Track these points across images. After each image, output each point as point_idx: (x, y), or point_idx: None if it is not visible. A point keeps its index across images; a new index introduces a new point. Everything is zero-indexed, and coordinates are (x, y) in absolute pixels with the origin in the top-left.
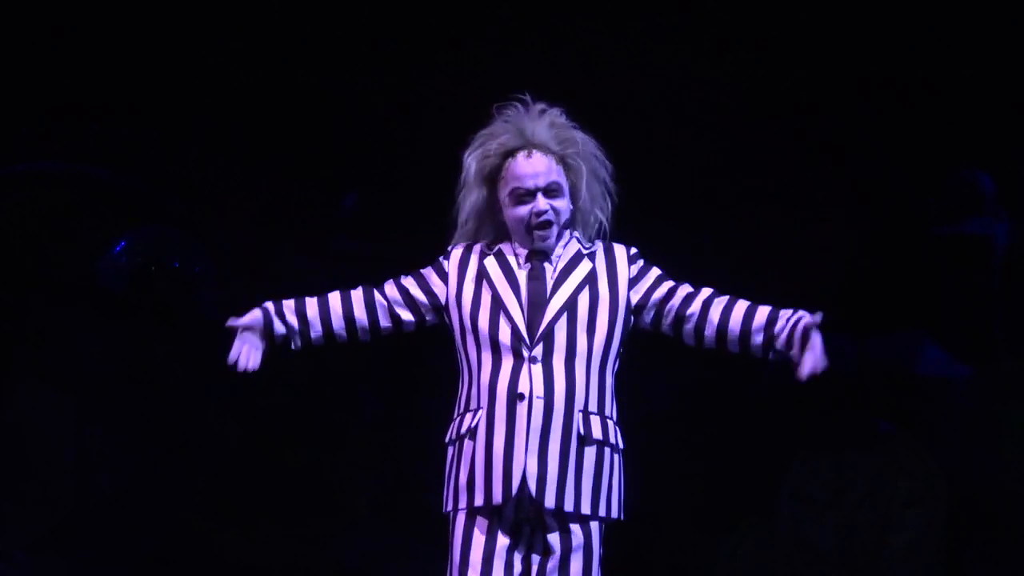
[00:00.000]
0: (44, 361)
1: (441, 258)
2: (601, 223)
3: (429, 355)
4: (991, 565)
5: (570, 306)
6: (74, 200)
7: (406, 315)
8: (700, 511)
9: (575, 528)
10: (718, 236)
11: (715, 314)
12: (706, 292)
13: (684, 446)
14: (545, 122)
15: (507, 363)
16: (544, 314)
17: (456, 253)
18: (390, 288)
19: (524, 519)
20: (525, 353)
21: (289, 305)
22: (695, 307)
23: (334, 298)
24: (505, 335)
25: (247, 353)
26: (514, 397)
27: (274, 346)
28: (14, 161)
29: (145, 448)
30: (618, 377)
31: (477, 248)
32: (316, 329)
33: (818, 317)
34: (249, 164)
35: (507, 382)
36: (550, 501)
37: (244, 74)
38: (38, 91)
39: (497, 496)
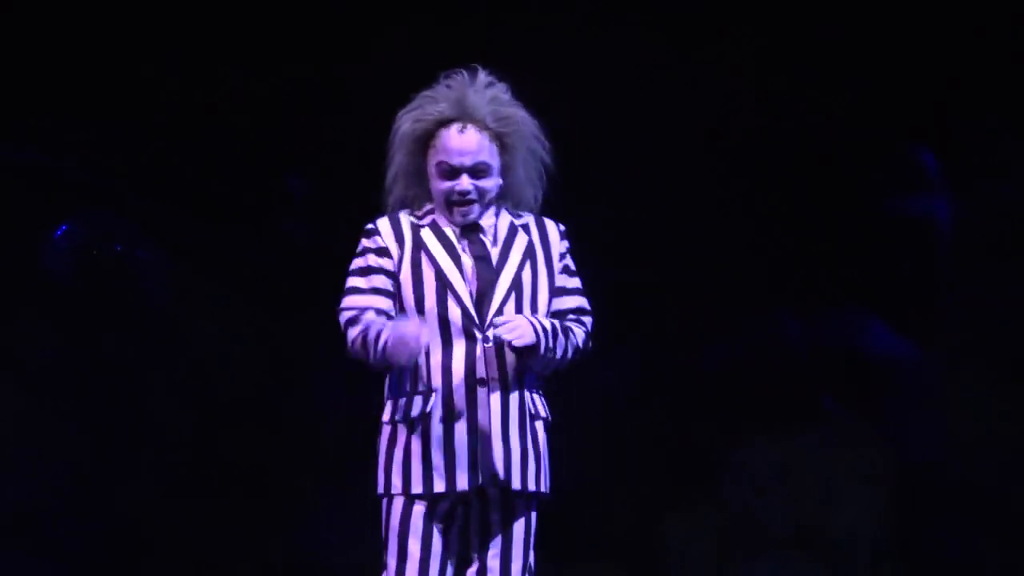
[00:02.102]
0: None
1: (370, 237)
2: (534, 201)
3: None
4: (936, 540)
5: (517, 286)
6: (14, 184)
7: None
8: (645, 488)
9: (519, 505)
10: (658, 215)
11: None
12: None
13: (628, 423)
14: (487, 96)
15: (459, 345)
16: (493, 296)
17: (384, 225)
18: (384, 302)
19: (462, 502)
20: (477, 335)
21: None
22: None
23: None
24: (455, 316)
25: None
26: (474, 382)
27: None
28: None
29: (93, 434)
30: None
31: (406, 219)
32: None
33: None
34: (192, 147)
35: (463, 366)
36: (517, 483)
37: (186, 57)
38: None
39: (463, 483)
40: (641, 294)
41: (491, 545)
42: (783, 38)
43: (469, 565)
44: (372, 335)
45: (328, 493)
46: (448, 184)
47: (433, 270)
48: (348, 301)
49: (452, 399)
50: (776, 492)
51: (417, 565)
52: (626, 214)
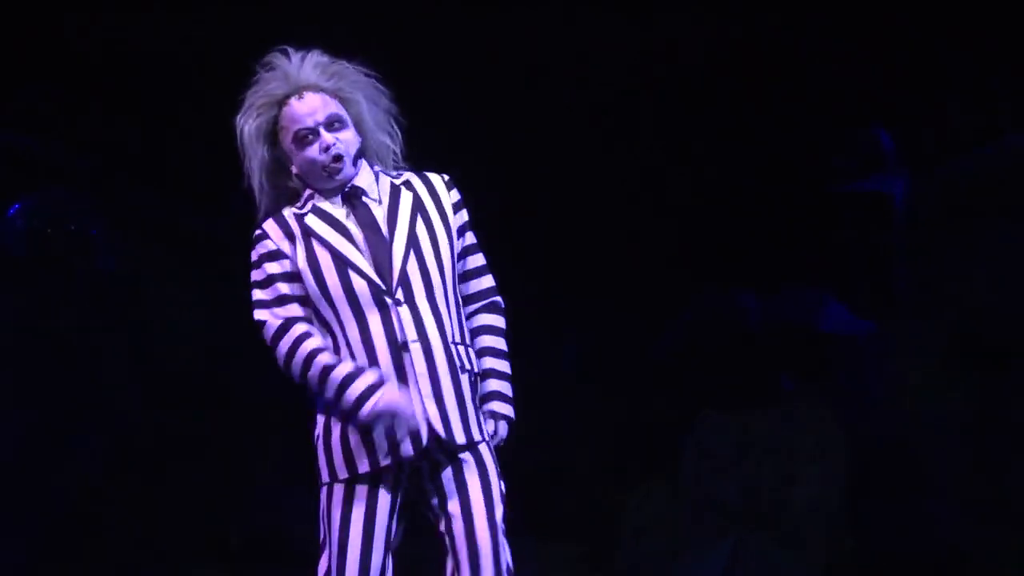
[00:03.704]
0: None
1: (260, 243)
2: (394, 151)
3: None
4: (892, 519)
5: (413, 242)
6: None
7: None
8: (605, 468)
9: (464, 456)
10: (616, 197)
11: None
12: (481, 312)
13: (589, 404)
14: (310, 63)
15: (373, 315)
16: (392, 257)
17: (271, 227)
18: (298, 309)
19: (409, 469)
20: (388, 300)
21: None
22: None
23: (325, 356)
24: (361, 288)
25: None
26: (397, 348)
27: None
28: None
29: (46, 411)
30: (523, 334)
31: (289, 213)
32: None
33: (503, 432)
34: (146, 123)
35: (383, 334)
36: (460, 437)
37: (141, 33)
38: None
39: (408, 450)
40: (597, 275)
41: (448, 496)
42: (740, 19)
43: (437, 527)
44: (339, 377)
45: (285, 469)
46: (313, 149)
47: (328, 252)
48: (261, 315)
49: (379, 369)
50: (734, 471)
51: (360, 546)
52: (583, 196)
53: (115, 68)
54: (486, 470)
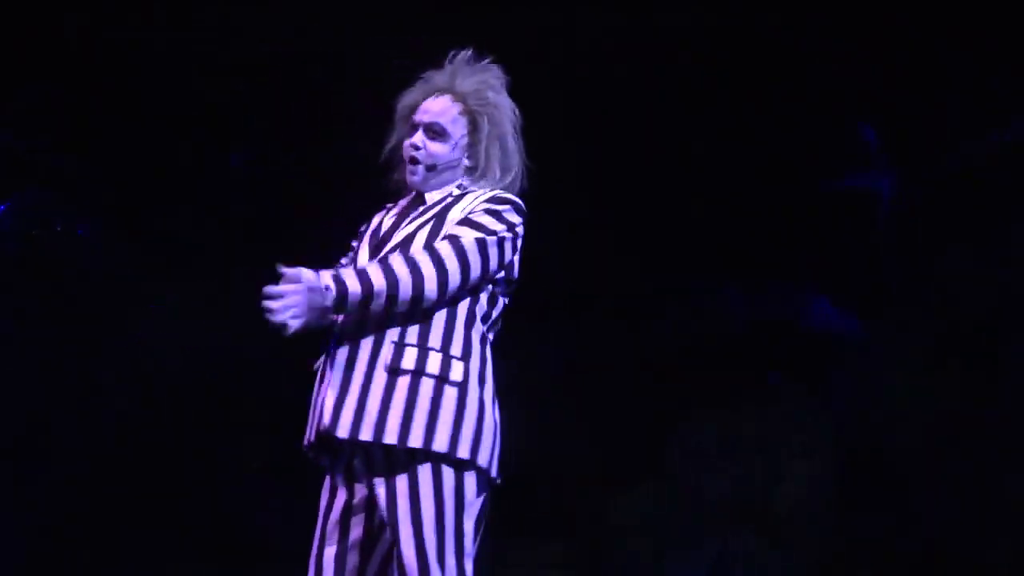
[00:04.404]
0: None
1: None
2: (501, 182)
3: None
4: (880, 514)
5: (408, 239)
6: None
7: None
8: (594, 465)
9: (400, 465)
10: (602, 193)
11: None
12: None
13: (577, 401)
14: (477, 77)
15: None
16: (385, 248)
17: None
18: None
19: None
20: None
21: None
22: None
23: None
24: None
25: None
26: (331, 333)
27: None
28: None
29: (33, 411)
30: (510, 334)
31: (385, 207)
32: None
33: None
34: (133, 124)
35: (339, 319)
36: (343, 431)
37: (127, 32)
38: None
39: (310, 434)
40: (586, 271)
41: (378, 504)
42: (729, 15)
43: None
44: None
45: (275, 470)
46: (407, 141)
47: (357, 244)
48: None
49: (327, 352)
50: (722, 467)
51: (316, 537)
52: (569, 192)
53: (106, 68)
54: (416, 491)
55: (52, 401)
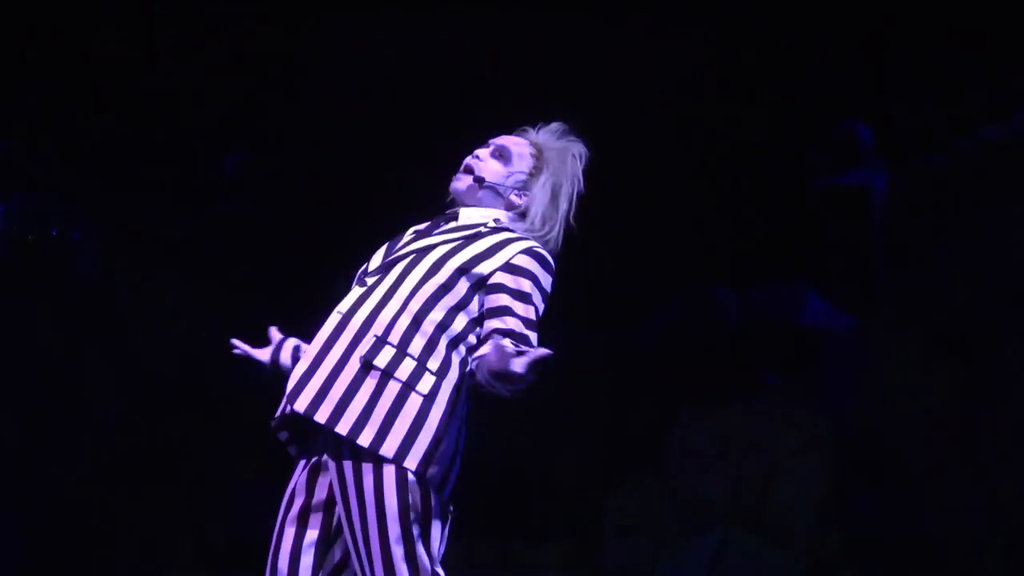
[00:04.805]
0: None
1: None
2: (545, 236)
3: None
4: (876, 512)
5: (424, 250)
6: None
7: None
8: (588, 464)
9: (365, 467)
10: (594, 193)
11: None
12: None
13: (570, 400)
14: (563, 141)
15: (353, 289)
16: (395, 253)
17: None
18: None
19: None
20: (365, 281)
21: None
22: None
23: None
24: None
25: None
26: (329, 316)
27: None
28: None
29: (27, 415)
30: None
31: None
32: None
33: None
34: (128, 127)
35: (340, 303)
36: (301, 404)
37: (122, 35)
38: None
39: (282, 407)
40: (577, 272)
41: (338, 503)
42: (718, 17)
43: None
44: None
45: (267, 473)
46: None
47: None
48: None
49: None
50: (718, 467)
51: (275, 528)
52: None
53: (102, 70)
54: (369, 499)
55: (52, 401)
